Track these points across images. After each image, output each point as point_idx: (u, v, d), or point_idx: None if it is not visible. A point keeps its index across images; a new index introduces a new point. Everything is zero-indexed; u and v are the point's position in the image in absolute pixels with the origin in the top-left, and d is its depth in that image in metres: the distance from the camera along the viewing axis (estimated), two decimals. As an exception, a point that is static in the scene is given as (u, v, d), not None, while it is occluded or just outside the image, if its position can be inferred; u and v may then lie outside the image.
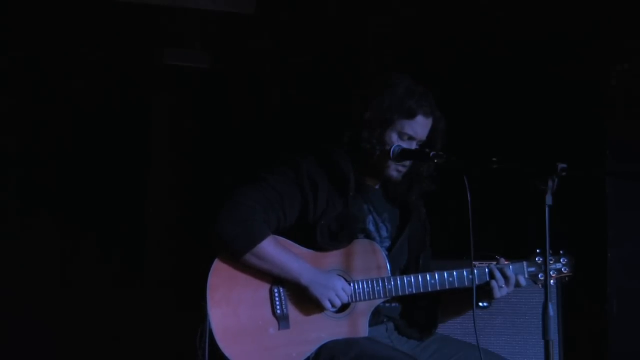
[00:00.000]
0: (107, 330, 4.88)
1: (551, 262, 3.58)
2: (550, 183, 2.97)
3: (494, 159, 3.24)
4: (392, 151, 3.42)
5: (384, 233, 3.54)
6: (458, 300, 3.52)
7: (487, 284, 3.48)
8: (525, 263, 3.54)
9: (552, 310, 2.96)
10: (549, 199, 2.96)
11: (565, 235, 3.59)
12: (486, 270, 3.48)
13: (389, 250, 3.51)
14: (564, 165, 2.97)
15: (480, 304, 3.51)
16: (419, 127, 3.45)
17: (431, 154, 3.38)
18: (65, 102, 4.95)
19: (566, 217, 4.11)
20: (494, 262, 3.52)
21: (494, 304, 3.62)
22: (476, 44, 4.85)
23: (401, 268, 3.56)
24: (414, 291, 3.42)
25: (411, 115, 3.43)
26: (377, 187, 3.56)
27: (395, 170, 3.48)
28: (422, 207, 3.66)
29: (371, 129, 3.42)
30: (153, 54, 4.99)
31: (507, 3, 4.75)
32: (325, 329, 3.35)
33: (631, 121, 4.58)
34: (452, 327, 3.88)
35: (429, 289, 3.43)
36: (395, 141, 3.43)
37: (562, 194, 3.01)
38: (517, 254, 3.56)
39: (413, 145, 3.45)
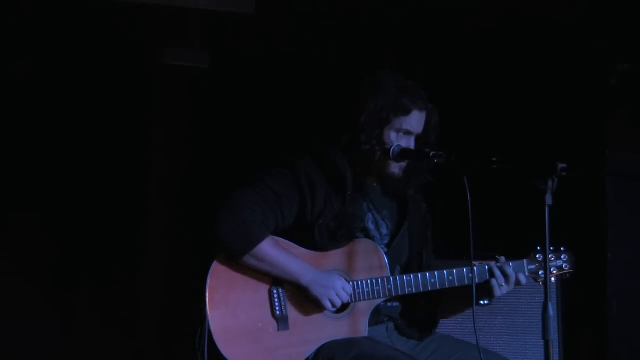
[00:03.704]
0: (106, 331, 4.88)
1: (552, 259, 3.59)
2: (550, 183, 2.97)
3: (494, 159, 3.24)
4: (392, 151, 3.42)
5: (384, 231, 3.54)
6: (458, 299, 3.52)
7: (487, 282, 3.48)
8: (525, 261, 3.55)
9: (552, 310, 2.96)
10: (549, 199, 2.97)
11: (566, 235, 3.59)
12: (486, 268, 3.49)
13: (388, 246, 3.51)
14: (564, 165, 2.97)
15: (481, 302, 3.51)
16: (415, 122, 3.46)
17: (431, 154, 3.38)
18: (65, 102, 4.95)
19: (566, 217, 4.12)
20: (494, 262, 3.52)
21: (494, 303, 3.62)
22: (476, 44, 4.85)
23: (402, 264, 3.56)
24: (413, 291, 3.42)
25: (407, 112, 3.43)
26: (376, 184, 3.56)
27: (397, 167, 3.48)
28: (422, 202, 3.66)
29: (369, 131, 3.43)
30: (153, 54, 4.98)
31: (507, 3, 4.75)
32: (324, 329, 3.35)
33: (631, 121, 4.59)
34: (452, 327, 3.88)
35: (429, 288, 3.43)
36: (394, 139, 3.43)
37: (562, 194, 3.01)
38: (517, 255, 3.56)
39: (412, 140, 3.46)
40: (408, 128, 3.45)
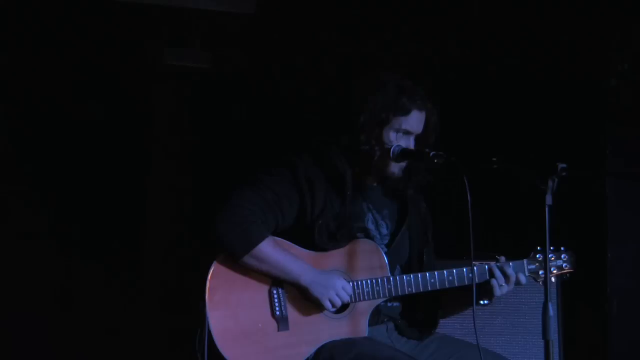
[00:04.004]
0: (105, 332, 4.88)
1: (552, 258, 3.59)
2: (550, 183, 2.97)
3: (494, 159, 3.24)
4: (392, 152, 3.42)
5: (384, 230, 3.54)
6: (458, 298, 3.52)
7: (487, 282, 3.48)
8: (525, 261, 3.55)
9: (552, 310, 2.96)
10: (549, 199, 2.97)
11: (566, 235, 3.60)
12: (486, 267, 3.48)
13: (388, 246, 3.51)
14: (564, 165, 2.97)
15: (481, 302, 3.51)
16: (415, 121, 3.46)
17: (431, 154, 3.38)
18: (65, 102, 4.95)
19: (566, 217, 4.13)
20: (494, 262, 3.52)
21: (494, 303, 3.62)
22: (476, 44, 4.85)
23: (402, 264, 3.55)
24: (413, 291, 3.42)
25: (406, 112, 3.43)
26: (376, 184, 3.56)
27: (397, 167, 3.48)
28: (422, 202, 3.66)
29: (368, 132, 3.42)
30: (153, 54, 4.99)
31: (507, 3, 4.75)
32: (324, 329, 3.35)
33: (631, 121, 4.58)
34: (452, 327, 3.88)
35: (429, 289, 3.43)
36: (394, 139, 3.43)
37: (562, 194, 3.01)
38: (517, 255, 3.56)
39: (411, 139, 3.46)
40: (407, 128, 3.45)
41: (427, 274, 3.42)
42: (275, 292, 3.33)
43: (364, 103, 3.44)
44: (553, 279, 3.67)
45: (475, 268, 3.41)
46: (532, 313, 4.13)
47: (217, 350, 3.23)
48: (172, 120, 5.10)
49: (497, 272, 3.48)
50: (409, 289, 3.41)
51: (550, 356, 2.94)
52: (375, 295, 3.39)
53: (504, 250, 3.59)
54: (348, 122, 3.45)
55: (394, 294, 3.41)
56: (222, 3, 4.88)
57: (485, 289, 3.49)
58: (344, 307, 3.38)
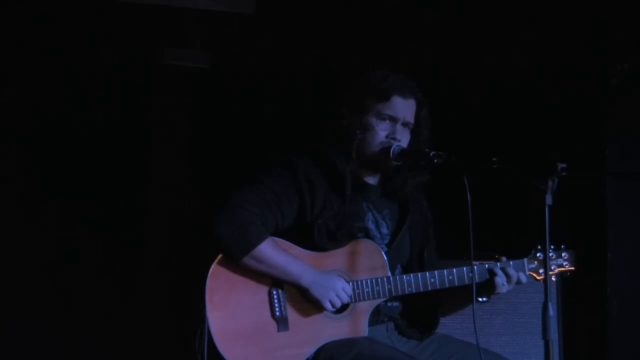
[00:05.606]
0: (105, 333, 4.88)
1: (553, 257, 3.59)
2: (550, 183, 2.97)
3: (494, 159, 3.24)
4: (392, 151, 3.42)
5: (385, 230, 3.53)
6: (458, 294, 3.51)
7: (487, 281, 3.48)
8: (526, 260, 3.55)
9: (552, 310, 2.97)
10: (549, 199, 2.97)
11: (566, 235, 3.60)
12: (486, 267, 3.48)
13: (388, 245, 3.51)
14: (564, 165, 2.97)
15: (480, 299, 3.50)
16: (398, 107, 3.46)
17: (431, 154, 3.38)
18: (65, 102, 4.95)
19: (566, 217, 4.13)
20: (495, 262, 3.52)
21: (494, 304, 3.63)
22: (476, 44, 4.85)
23: (403, 264, 3.55)
24: (413, 290, 3.41)
25: (386, 97, 3.44)
26: (375, 184, 3.56)
27: (396, 167, 3.48)
28: (423, 201, 3.66)
29: (350, 118, 3.44)
30: (153, 54, 4.99)
31: (507, 3, 4.76)
32: (324, 329, 3.34)
33: (631, 121, 4.59)
34: (452, 327, 3.88)
35: (429, 288, 3.43)
36: (375, 124, 3.44)
37: (562, 194, 3.01)
38: (517, 255, 3.56)
39: (398, 127, 3.45)
40: (390, 113, 3.45)
41: (427, 274, 3.42)
42: (275, 292, 3.32)
43: (348, 92, 3.47)
44: (554, 278, 3.68)
45: (475, 268, 3.42)
46: (532, 313, 4.14)
47: (217, 350, 3.22)
48: (172, 120, 5.10)
49: (498, 272, 3.48)
50: (409, 289, 3.41)
51: (550, 356, 2.94)
52: (375, 295, 3.39)
53: (504, 250, 3.59)
54: (334, 112, 3.46)
55: (394, 294, 3.40)
56: (222, 3, 4.88)
57: (485, 288, 3.49)
58: (344, 307, 3.37)
